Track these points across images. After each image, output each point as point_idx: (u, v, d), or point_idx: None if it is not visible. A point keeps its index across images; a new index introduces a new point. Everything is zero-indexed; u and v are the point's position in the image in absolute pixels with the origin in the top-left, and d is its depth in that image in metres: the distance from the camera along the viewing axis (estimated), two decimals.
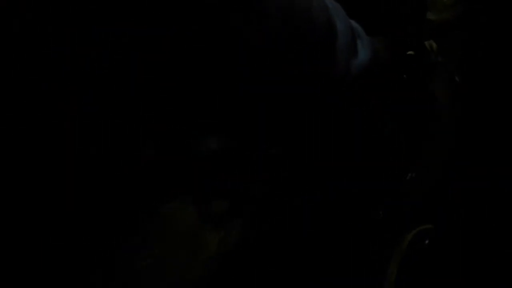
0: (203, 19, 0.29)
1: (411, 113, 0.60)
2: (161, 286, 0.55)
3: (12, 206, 0.39)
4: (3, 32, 0.25)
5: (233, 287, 0.56)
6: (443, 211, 0.64)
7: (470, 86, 0.76)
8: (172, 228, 0.56)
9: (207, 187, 0.51)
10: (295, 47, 0.35)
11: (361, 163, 0.59)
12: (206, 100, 0.33)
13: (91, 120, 0.31)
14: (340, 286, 0.59)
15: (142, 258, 0.56)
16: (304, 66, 0.36)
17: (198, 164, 0.47)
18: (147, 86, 0.29)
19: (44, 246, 0.45)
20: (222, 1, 0.30)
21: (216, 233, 0.56)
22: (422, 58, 0.65)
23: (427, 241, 0.61)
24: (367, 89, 0.46)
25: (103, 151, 0.39)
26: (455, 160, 0.67)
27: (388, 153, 0.59)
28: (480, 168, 0.68)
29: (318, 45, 0.37)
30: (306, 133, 0.55)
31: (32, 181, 0.37)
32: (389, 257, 0.60)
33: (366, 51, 0.45)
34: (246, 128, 0.45)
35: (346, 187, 0.59)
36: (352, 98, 0.44)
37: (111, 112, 0.30)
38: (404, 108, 0.60)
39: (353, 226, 0.60)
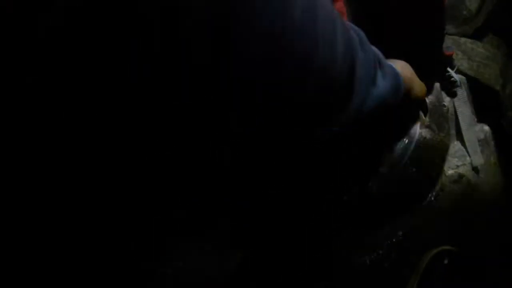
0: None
1: (432, 133, 0.60)
2: None
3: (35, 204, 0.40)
4: None
5: None
6: (463, 232, 0.64)
7: (490, 103, 0.76)
8: (198, 242, 0.57)
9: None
10: (317, 90, 0.35)
11: (379, 184, 0.59)
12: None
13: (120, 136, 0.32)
14: None
15: (167, 267, 0.57)
16: (321, 103, 0.36)
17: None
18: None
19: (67, 252, 0.46)
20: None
21: (219, 257, 0.57)
22: (444, 78, 0.65)
23: (446, 261, 0.61)
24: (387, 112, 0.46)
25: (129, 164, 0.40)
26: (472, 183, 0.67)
27: (409, 175, 0.59)
28: (500, 190, 0.68)
29: (337, 77, 0.37)
30: (319, 158, 0.55)
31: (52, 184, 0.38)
32: (408, 276, 0.61)
33: (387, 81, 0.44)
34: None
35: (365, 207, 0.60)
36: (371, 124, 0.44)
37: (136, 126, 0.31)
38: (426, 128, 0.60)
39: (372, 243, 0.61)
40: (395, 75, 0.47)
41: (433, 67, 0.63)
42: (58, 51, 0.26)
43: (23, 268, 0.41)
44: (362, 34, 0.42)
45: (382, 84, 0.44)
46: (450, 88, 0.66)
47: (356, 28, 0.42)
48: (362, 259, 0.60)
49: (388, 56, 0.48)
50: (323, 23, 0.34)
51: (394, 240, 0.60)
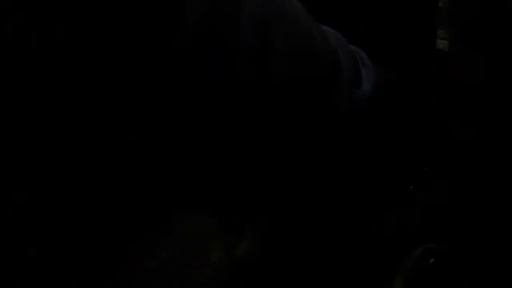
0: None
1: (420, 134, 0.60)
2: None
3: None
4: None
5: None
6: (449, 229, 0.65)
7: (482, 109, 0.77)
8: (183, 232, 0.56)
9: (223, 199, 0.52)
10: (299, 91, 0.35)
11: (366, 183, 0.59)
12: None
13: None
14: None
15: (151, 259, 0.56)
16: (306, 106, 0.37)
17: (218, 176, 0.48)
18: None
19: (55, 244, 0.46)
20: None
21: (224, 242, 0.56)
22: (433, 80, 0.65)
23: (432, 260, 0.61)
24: (374, 118, 0.46)
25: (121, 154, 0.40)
26: (461, 180, 0.68)
27: (394, 174, 0.59)
28: (485, 187, 0.68)
29: (322, 84, 0.37)
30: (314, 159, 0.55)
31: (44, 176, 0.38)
32: (394, 275, 0.60)
33: (371, 80, 0.45)
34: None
35: (350, 207, 0.59)
36: (358, 127, 0.44)
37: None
38: (413, 129, 0.60)
39: (358, 243, 0.60)
40: (378, 75, 0.48)
41: (421, 69, 0.64)
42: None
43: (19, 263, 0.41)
44: (341, 36, 0.43)
45: (366, 83, 0.44)
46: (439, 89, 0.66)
47: (333, 30, 0.43)
48: (349, 256, 0.60)
49: (374, 58, 0.48)
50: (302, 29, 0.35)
51: (380, 237, 0.60)
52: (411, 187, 0.62)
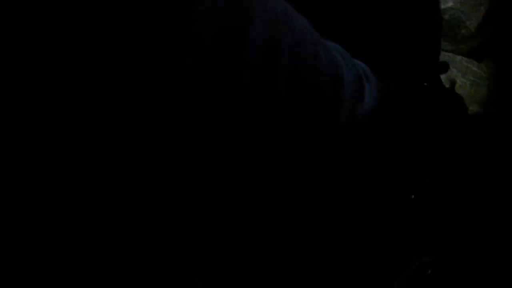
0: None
1: (423, 147, 0.60)
2: None
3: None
4: None
5: None
6: (445, 241, 0.65)
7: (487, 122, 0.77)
8: (181, 234, 0.57)
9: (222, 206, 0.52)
10: (302, 108, 0.36)
11: (364, 197, 0.59)
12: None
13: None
14: None
15: (150, 261, 0.57)
16: (309, 122, 0.37)
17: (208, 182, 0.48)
18: None
19: (44, 249, 0.46)
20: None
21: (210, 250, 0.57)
22: (437, 93, 0.65)
23: (429, 271, 0.61)
24: (378, 131, 0.46)
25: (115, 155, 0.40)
26: (458, 193, 0.68)
27: (394, 188, 0.59)
28: (482, 199, 0.68)
29: (325, 101, 0.37)
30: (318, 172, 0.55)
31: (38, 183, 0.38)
32: (392, 286, 0.61)
33: (374, 96, 0.45)
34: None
35: (350, 222, 0.60)
36: (361, 142, 0.44)
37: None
38: (416, 142, 0.60)
39: (356, 256, 0.61)
40: (381, 88, 0.48)
41: (425, 82, 0.64)
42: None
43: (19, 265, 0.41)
44: (345, 52, 0.43)
45: (369, 97, 0.44)
46: (443, 102, 0.66)
47: (338, 46, 0.43)
48: (347, 268, 0.60)
49: (378, 71, 0.48)
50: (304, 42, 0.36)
51: (377, 250, 0.60)
52: (412, 196, 0.62)
